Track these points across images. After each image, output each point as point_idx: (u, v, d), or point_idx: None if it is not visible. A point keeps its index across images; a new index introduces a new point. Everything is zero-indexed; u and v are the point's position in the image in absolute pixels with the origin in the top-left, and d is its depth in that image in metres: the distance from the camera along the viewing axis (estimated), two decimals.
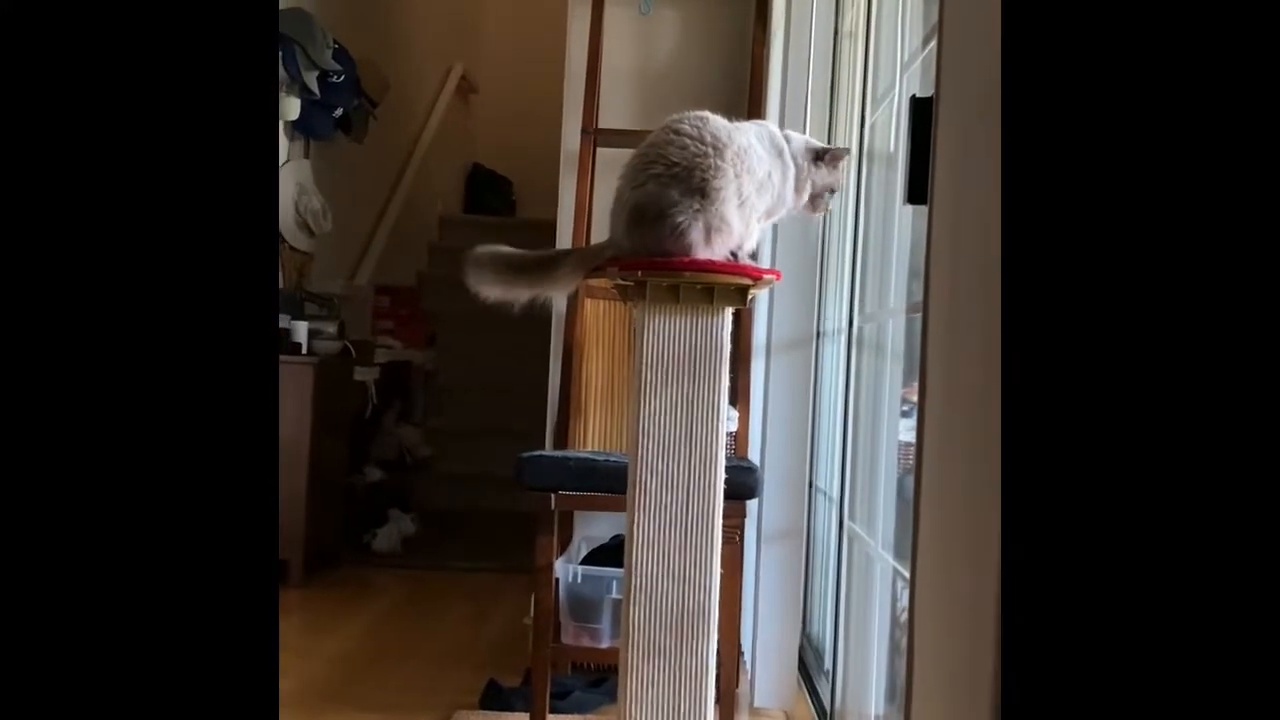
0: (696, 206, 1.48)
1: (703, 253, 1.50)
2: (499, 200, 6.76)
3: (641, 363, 1.53)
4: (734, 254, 1.55)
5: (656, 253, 1.50)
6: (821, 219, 2.66)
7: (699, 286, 1.52)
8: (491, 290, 1.61)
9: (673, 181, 1.49)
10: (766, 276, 1.55)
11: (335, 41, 4.32)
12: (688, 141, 1.51)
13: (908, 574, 1.22)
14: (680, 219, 1.48)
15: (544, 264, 1.62)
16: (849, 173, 2.04)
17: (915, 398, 1.27)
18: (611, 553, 2.75)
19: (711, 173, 1.49)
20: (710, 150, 1.50)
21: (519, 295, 1.62)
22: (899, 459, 1.94)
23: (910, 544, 1.17)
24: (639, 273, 1.52)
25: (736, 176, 1.51)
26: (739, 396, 2.65)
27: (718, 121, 1.54)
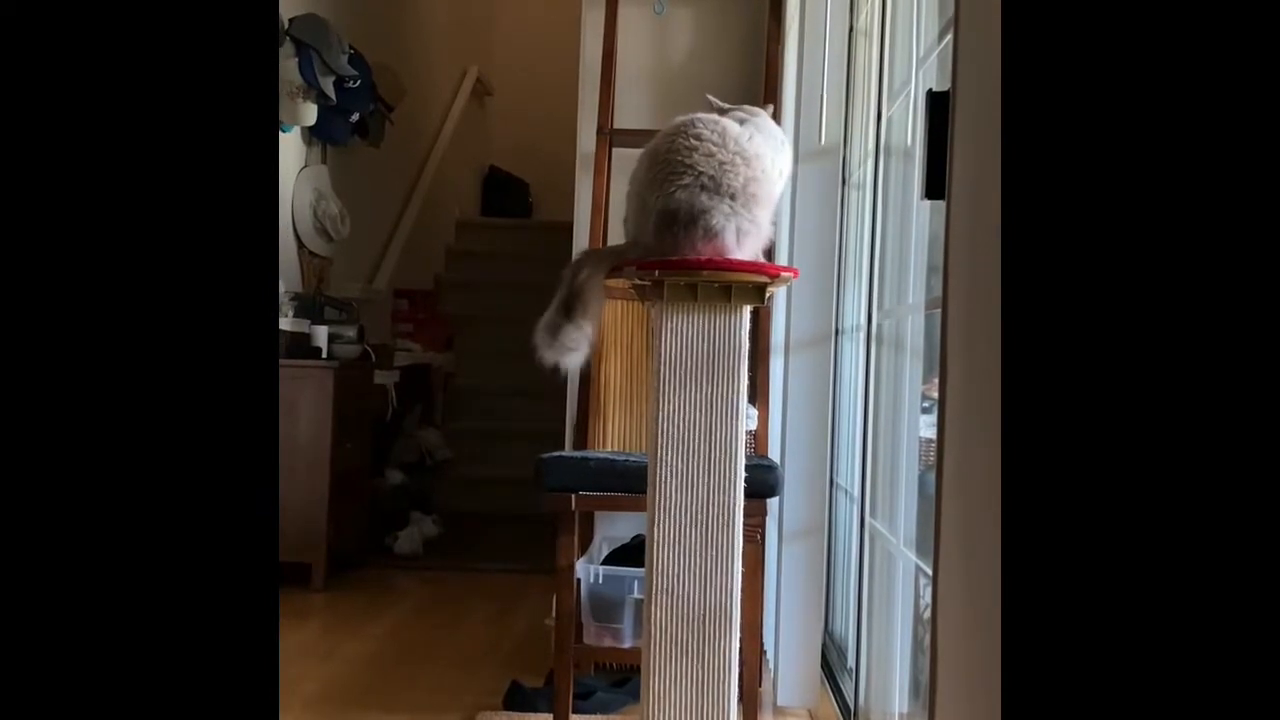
0: (727, 209, 1.49)
1: (735, 255, 1.51)
2: (515, 202, 6.77)
3: (660, 362, 1.53)
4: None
5: (688, 255, 1.51)
6: (839, 214, 2.65)
7: (717, 285, 1.51)
8: (563, 353, 1.59)
9: (701, 191, 1.50)
10: (784, 274, 1.55)
11: (350, 47, 4.34)
12: (713, 149, 1.51)
13: (930, 571, 1.21)
14: (714, 221, 1.49)
15: (567, 289, 1.61)
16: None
17: (935, 394, 1.26)
18: (632, 553, 2.75)
19: (742, 180, 1.50)
20: (738, 158, 1.51)
21: (578, 336, 1.59)
22: (920, 455, 1.93)
23: (932, 541, 1.17)
24: (656, 272, 1.51)
25: (768, 181, 1.53)
26: (758, 395, 2.65)
27: (733, 126, 1.54)
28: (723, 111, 1.60)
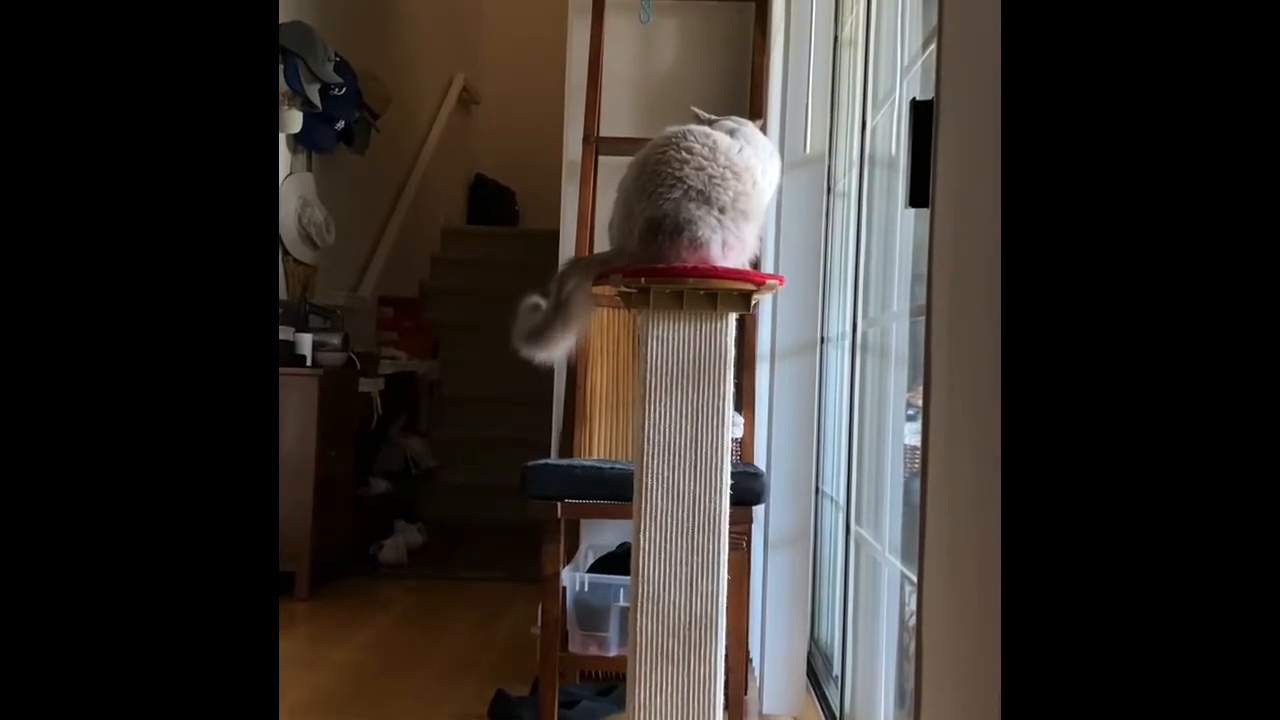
0: (715, 222, 1.50)
1: (719, 265, 1.52)
2: (501, 210, 6.77)
3: (646, 370, 1.53)
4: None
5: (673, 264, 1.51)
6: (825, 223, 2.66)
7: (702, 293, 1.52)
8: (542, 350, 1.65)
9: (689, 203, 1.51)
10: (770, 282, 1.55)
11: (336, 54, 4.33)
12: (704, 163, 1.52)
13: (915, 578, 1.22)
14: (700, 231, 1.50)
15: (555, 298, 1.62)
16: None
17: (920, 401, 1.27)
18: (618, 561, 2.75)
19: (731, 195, 1.51)
20: (728, 173, 1.51)
21: (559, 341, 1.63)
22: (904, 463, 1.93)
23: (917, 548, 1.17)
24: (643, 279, 1.52)
25: (758, 194, 1.53)
26: (744, 402, 2.65)
27: (724, 139, 1.55)
28: (710, 123, 1.60)
